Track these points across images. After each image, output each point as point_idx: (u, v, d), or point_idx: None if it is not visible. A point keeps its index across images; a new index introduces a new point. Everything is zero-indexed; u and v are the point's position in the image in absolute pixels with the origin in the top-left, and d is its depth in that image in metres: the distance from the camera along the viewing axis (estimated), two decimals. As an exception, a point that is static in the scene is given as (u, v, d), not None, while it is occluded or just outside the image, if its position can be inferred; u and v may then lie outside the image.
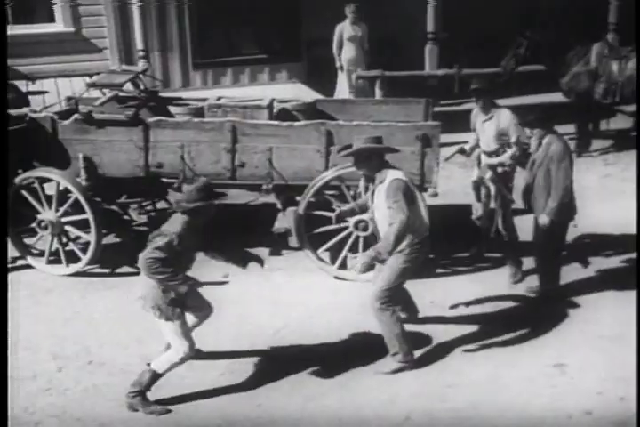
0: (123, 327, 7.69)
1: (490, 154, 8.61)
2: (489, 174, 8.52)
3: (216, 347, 7.18)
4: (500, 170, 8.50)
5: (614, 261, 8.86)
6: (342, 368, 6.91)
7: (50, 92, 11.95)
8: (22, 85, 11.43)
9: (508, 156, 8.43)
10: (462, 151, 8.73)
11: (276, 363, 7.04)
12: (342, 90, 13.32)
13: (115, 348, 7.39)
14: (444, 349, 7.24)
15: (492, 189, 8.53)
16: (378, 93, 12.43)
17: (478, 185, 8.76)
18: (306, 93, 12.58)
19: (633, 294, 7.84)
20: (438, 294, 8.16)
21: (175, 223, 6.24)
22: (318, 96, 11.94)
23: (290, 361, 7.02)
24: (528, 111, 8.18)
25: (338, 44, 13.18)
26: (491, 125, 8.53)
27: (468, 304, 7.95)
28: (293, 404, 6.51)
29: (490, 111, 8.55)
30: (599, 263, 8.84)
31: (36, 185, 8.61)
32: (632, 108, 12.51)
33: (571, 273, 8.54)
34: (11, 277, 8.66)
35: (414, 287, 8.18)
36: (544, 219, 7.67)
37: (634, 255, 8.76)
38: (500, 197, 8.46)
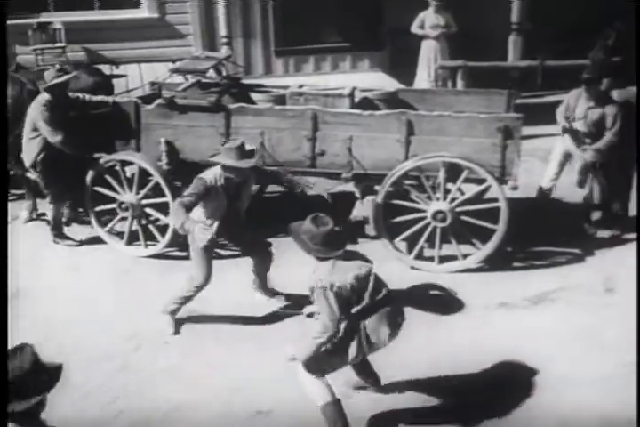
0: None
1: (588, 136, 8.92)
2: (594, 157, 8.92)
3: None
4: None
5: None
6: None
7: (128, 75, 12.12)
8: (106, 70, 11.62)
9: (605, 142, 8.81)
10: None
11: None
12: (421, 79, 13.23)
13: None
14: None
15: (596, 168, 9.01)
16: (459, 84, 12.32)
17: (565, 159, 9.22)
18: (388, 83, 12.51)
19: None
20: (514, 288, 8.09)
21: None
22: (400, 86, 11.88)
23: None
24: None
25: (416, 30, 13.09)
26: (596, 111, 8.78)
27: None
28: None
29: (597, 99, 8.83)
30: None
31: (118, 168, 8.74)
32: None
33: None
34: (89, 257, 8.88)
35: (490, 281, 8.19)
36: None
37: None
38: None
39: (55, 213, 9.12)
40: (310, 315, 7.34)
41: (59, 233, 9.23)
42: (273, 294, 7.94)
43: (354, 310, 5.68)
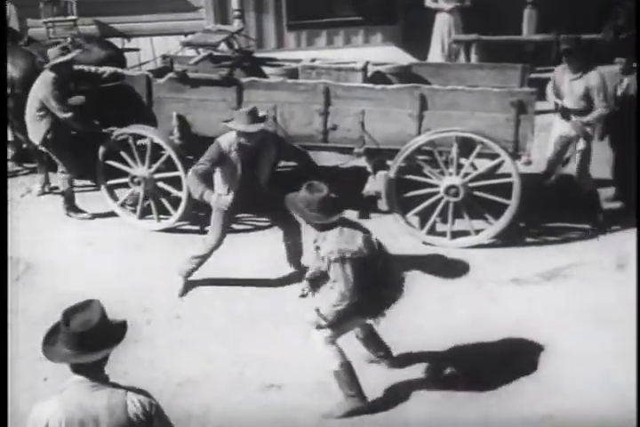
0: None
1: (578, 112, 8.54)
2: (580, 130, 8.55)
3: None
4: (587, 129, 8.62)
5: None
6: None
7: (142, 50, 12.07)
8: (118, 43, 11.58)
9: (595, 115, 8.46)
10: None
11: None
12: (435, 54, 13.12)
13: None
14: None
15: (582, 144, 8.61)
16: (473, 58, 12.23)
17: (567, 141, 8.76)
18: (401, 57, 12.45)
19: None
20: (526, 264, 8.08)
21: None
22: (413, 60, 11.82)
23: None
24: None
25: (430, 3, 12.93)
26: (579, 84, 8.44)
27: None
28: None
29: (579, 71, 8.46)
30: None
31: (131, 142, 8.72)
32: None
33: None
34: (101, 231, 8.90)
35: (502, 257, 8.18)
36: None
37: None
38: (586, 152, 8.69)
39: (67, 187, 9.11)
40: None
41: (71, 206, 9.23)
42: (302, 269, 7.85)
43: (367, 274, 5.75)
